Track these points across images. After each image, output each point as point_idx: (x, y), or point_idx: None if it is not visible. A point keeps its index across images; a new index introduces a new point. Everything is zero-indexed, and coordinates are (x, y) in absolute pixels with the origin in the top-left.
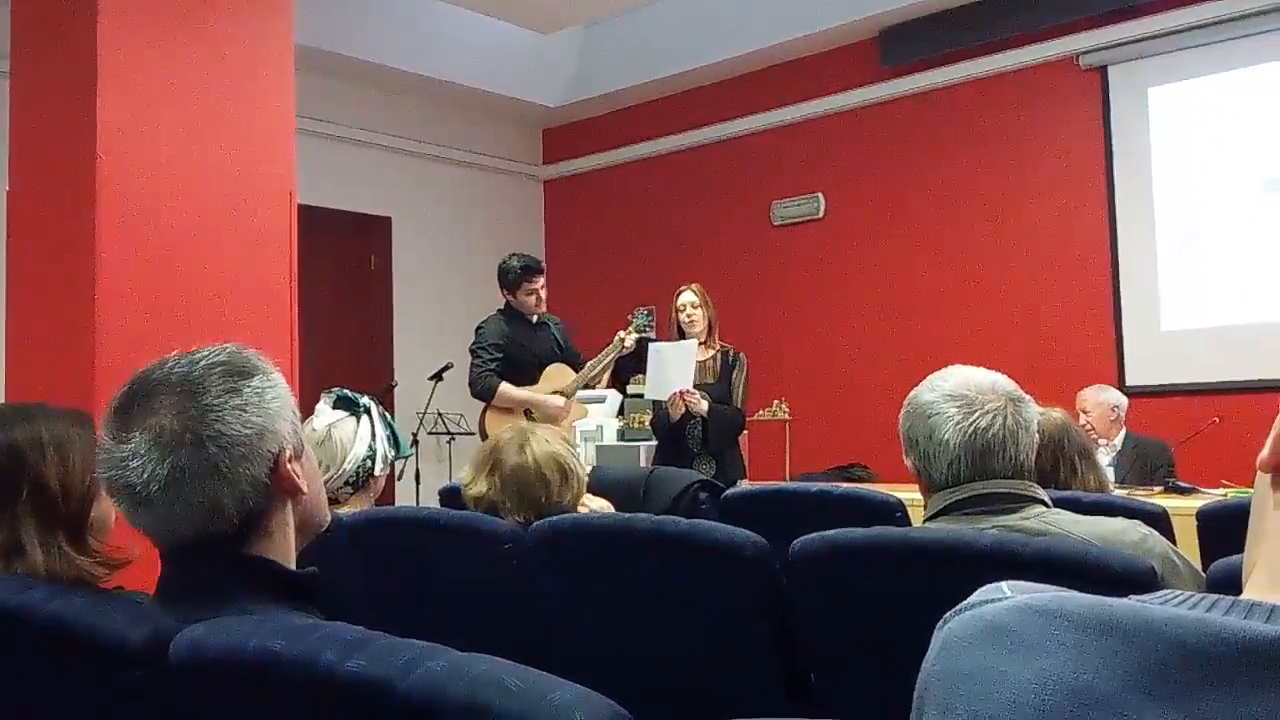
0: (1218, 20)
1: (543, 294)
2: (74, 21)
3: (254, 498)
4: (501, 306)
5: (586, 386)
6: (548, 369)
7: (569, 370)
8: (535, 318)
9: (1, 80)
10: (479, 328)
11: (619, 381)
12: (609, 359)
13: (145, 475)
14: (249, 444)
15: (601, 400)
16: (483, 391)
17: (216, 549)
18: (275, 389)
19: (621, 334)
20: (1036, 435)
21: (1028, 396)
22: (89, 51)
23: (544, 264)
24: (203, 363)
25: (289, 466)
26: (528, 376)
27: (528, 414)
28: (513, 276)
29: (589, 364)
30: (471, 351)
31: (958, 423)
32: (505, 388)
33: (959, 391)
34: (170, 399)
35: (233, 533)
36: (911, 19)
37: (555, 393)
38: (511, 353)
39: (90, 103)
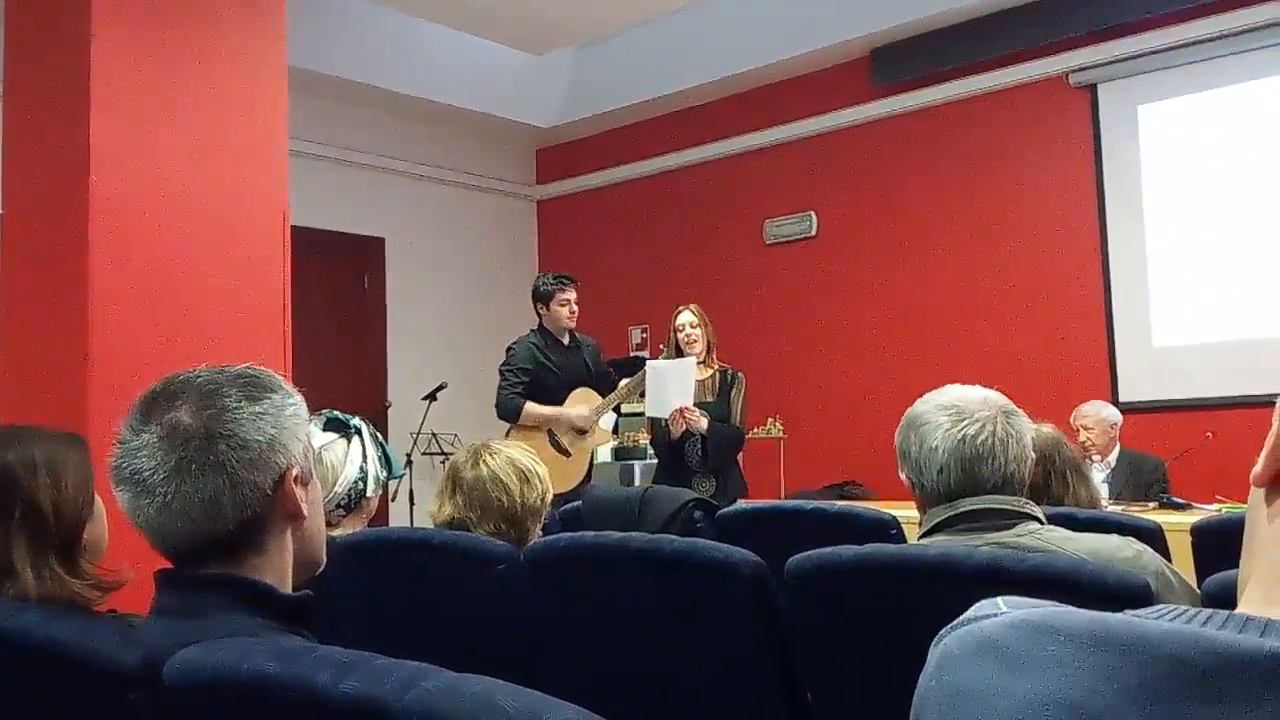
0: (1207, 38)
1: (575, 307)
2: (67, 43)
3: (254, 506)
4: (535, 326)
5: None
6: (573, 393)
7: (594, 394)
8: (568, 339)
9: None
10: (510, 348)
11: None
12: (641, 387)
13: (154, 463)
14: (258, 451)
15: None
16: (508, 413)
17: (212, 561)
18: (295, 408)
19: (651, 363)
20: (1029, 449)
21: (1021, 411)
22: (82, 73)
23: (576, 280)
24: (229, 372)
25: (294, 486)
26: (553, 399)
27: (550, 434)
28: (545, 288)
29: (619, 388)
30: (500, 372)
31: (947, 430)
32: (530, 407)
33: (950, 403)
34: (191, 398)
35: (228, 539)
36: (902, 38)
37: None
38: (539, 376)
39: (83, 124)
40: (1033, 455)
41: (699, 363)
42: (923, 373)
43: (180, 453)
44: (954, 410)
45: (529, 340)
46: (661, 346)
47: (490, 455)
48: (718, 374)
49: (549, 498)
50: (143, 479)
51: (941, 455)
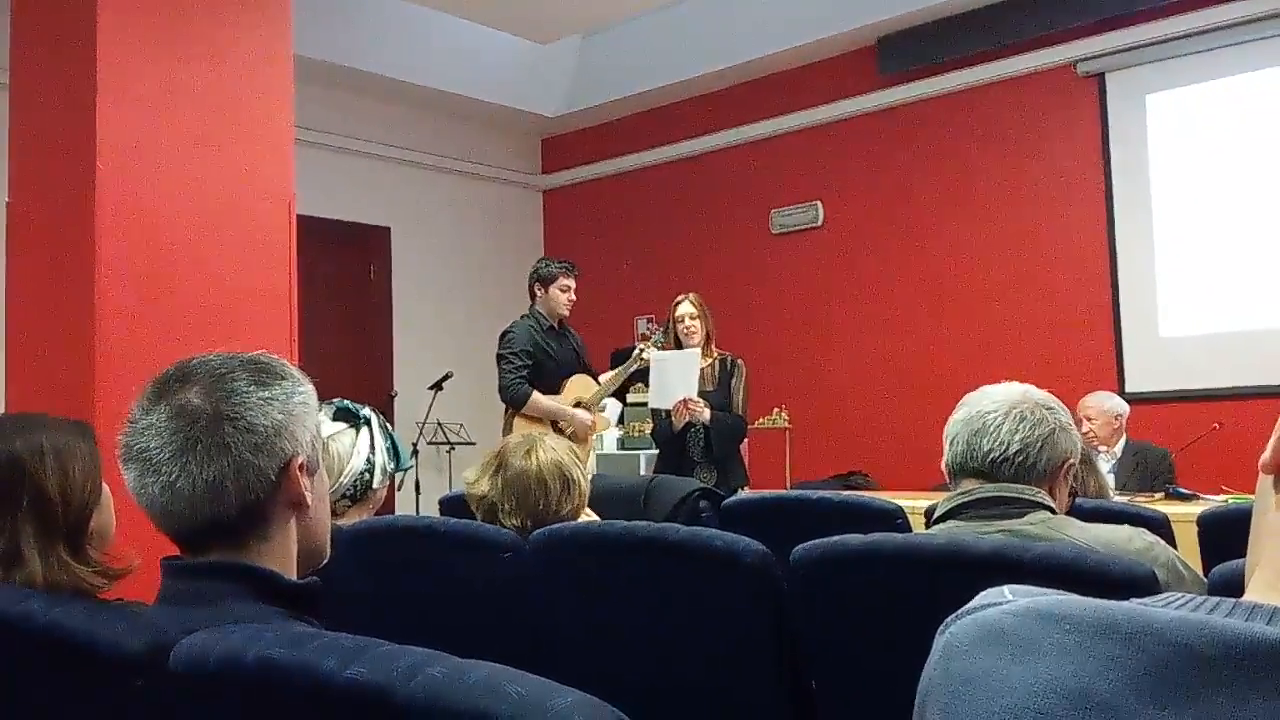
0: (1215, 26)
1: (574, 295)
2: (73, 32)
3: (257, 491)
4: (525, 312)
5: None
6: (570, 379)
7: (590, 381)
8: (558, 326)
9: (1, 91)
10: (507, 332)
11: (619, 391)
12: (630, 371)
13: (161, 441)
14: (265, 436)
15: (602, 409)
16: (515, 399)
17: (215, 545)
18: (304, 396)
19: (641, 347)
20: (1053, 440)
21: (1058, 407)
22: (88, 62)
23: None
24: (241, 357)
25: (299, 475)
26: (551, 385)
27: (555, 425)
28: (548, 270)
29: (609, 376)
30: (500, 357)
31: (970, 407)
32: (537, 397)
33: (994, 390)
34: (203, 381)
35: (230, 523)
36: (909, 27)
37: (578, 404)
38: (538, 360)
39: (90, 113)
40: (1065, 452)
41: None
42: (928, 363)
43: (187, 432)
44: (989, 395)
45: (526, 323)
46: (657, 328)
47: (542, 451)
48: (717, 362)
49: (582, 512)
50: (149, 457)
51: (956, 428)
